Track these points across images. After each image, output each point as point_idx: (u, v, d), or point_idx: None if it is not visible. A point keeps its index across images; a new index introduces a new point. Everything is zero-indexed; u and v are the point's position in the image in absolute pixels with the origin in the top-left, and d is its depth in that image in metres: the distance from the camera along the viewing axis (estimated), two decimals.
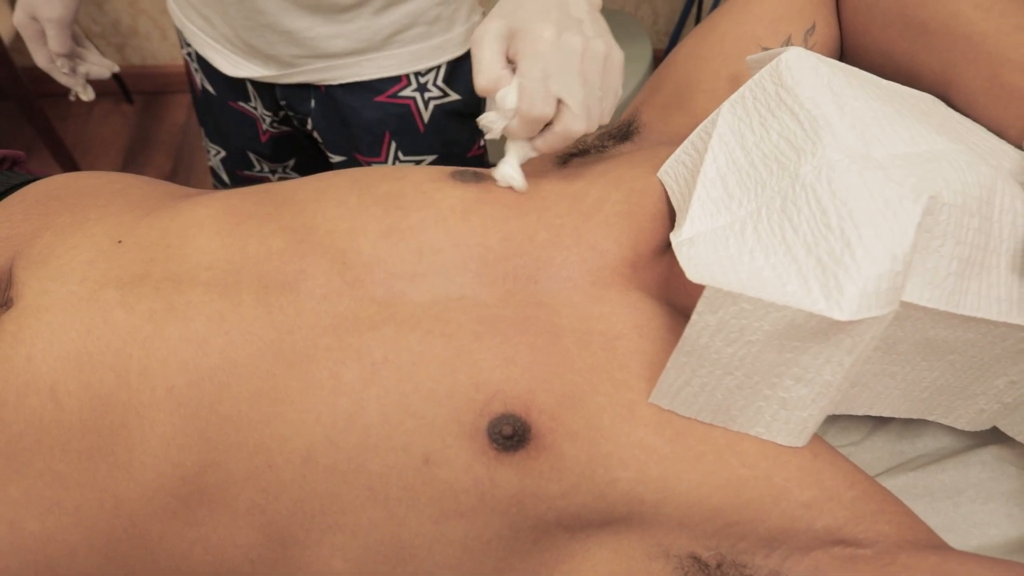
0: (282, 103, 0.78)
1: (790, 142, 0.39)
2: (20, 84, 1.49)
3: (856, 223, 0.35)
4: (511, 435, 0.38)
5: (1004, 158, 0.41)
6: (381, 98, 0.74)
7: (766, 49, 0.53)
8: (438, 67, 0.74)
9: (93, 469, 0.37)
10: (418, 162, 0.79)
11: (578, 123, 0.45)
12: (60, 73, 0.74)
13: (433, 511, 0.38)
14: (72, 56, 0.74)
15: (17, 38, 1.73)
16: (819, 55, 0.43)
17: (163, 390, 0.38)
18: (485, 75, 0.45)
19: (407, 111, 0.75)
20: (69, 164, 1.65)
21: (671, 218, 0.47)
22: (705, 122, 0.45)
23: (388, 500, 0.38)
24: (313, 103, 0.76)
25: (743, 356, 0.36)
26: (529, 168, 0.54)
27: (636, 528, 0.39)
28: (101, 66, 0.77)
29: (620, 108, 1.54)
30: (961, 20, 0.46)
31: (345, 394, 0.38)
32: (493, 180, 0.47)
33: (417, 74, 0.74)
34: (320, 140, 0.81)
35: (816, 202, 0.36)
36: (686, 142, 0.46)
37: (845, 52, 0.56)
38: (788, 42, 0.54)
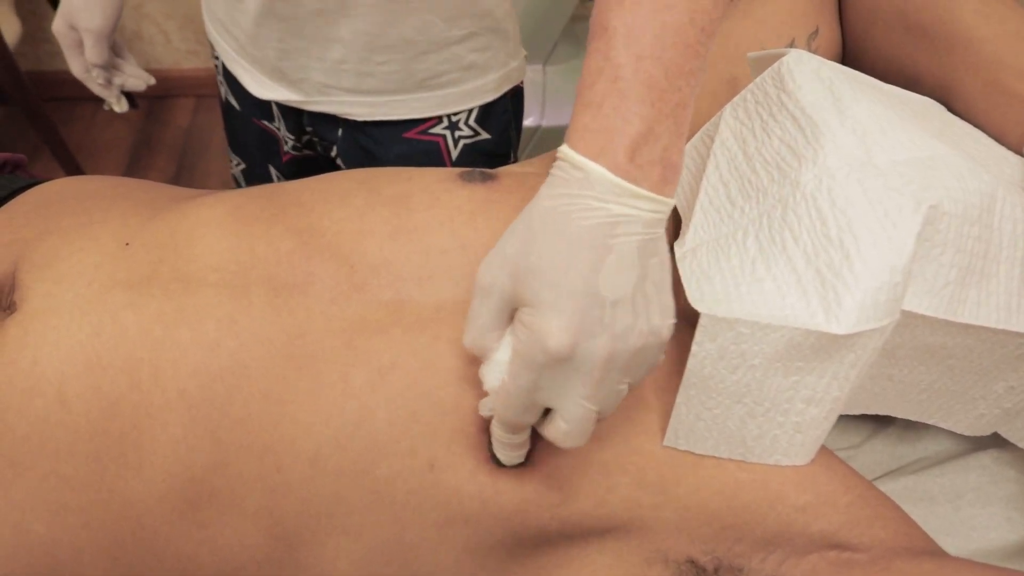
0: (308, 129, 0.77)
1: (791, 148, 0.40)
2: (25, 88, 1.49)
3: (855, 234, 0.35)
4: None
5: (1005, 164, 0.41)
6: (410, 134, 0.73)
7: None
8: (470, 109, 0.73)
9: (100, 471, 0.38)
10: None
11: (569, 440, 0.34)
12: (95, 83, 0.73)
13: (437, 516, 0.38)
14: (108, 67, 0.73)
15: (22, 42, 1.74)
16: (821, 58, 0.43)
17: (175, 392, 0.38)
18: (471, 338, 0.35)
19: (435, 148, 0.74)
20: (73, 168, 1.65)
21: (675, 223, 0.47)
22: (707, 125, 0.45)
23: (393, 504, 0.38)
24: (340, 132, 0.75)
25: (748, 382, 0.36)
26: (534, 169, 0.54)
27: (635, 534, 0.39)
28: (138, 78, 0.76)
29: None
30: (961, 26, 0.46)
31: (354, 397, 0.39)
32: (500, 179, 0.47)
33: (449, 115, 0.72)
34: (343, 168, 0.79)
35: (816, 212, 0.36)
36: (688, 146, 0.46)
37: (847, 56, 0.56)
38: (792, 46, 0.54)
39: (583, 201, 0.32)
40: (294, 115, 0.76)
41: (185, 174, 1.85)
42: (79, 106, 1.97)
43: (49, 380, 0.38)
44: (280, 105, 0.76)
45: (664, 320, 0.34)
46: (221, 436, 0.38)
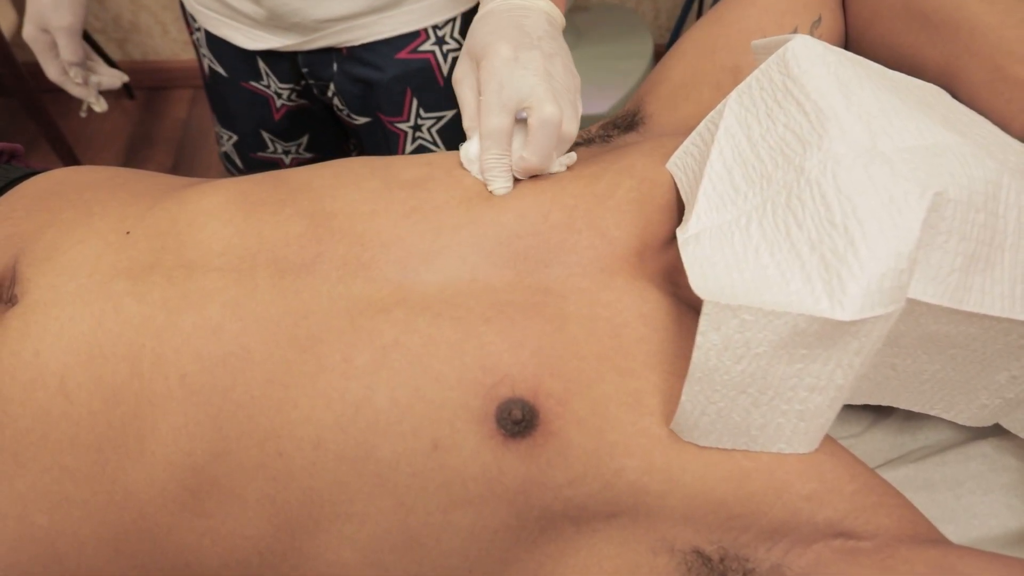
0: (304, 71, 0.79)
1: (796, 134, 0.39)
2: (22, 80, 1.48)
3: (860, 220, 0.34)
4: (520, 419, 0.38)
5: (1010, 151, 0.41)
6: (402, 54, 0.76)
7: None
8: (454, 19, 0.76)
9: (103, 462, 0.37)
10: (439, 118, 0.80)
11: (549, 106, 0.44)
12: (73, 84, 0.73)
13: (441, 499, 0.38)
14: (84, 65, 0.73)
15: (18, 33, 1.73)
16: (826, 44, 0.43)
17: (176, 378, 0.38)
18: (468, 116, 0.49)
19: (427, 66, 0.77)
20: (71, 160, 1.65)
21: (679, 210, 0.47)
22: (712, 112, 0.45)
23: (397, 488, 0.38)
24: (335, 67, 0.78)
25: (753, 371, 0.35)
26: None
27: (641, 522, 0.39)
28: (112, 76, 0.76)
29: (625, 103, 1.54)
30: (965, 12, 0.46)
31: (355, 378, 0.38)
32: None
33: (435, 27, 0.75)
34: (342, 107, 0.82)
35: (821, 197, 0.36)
36: (694, 133, 0.46)
37: (850, 44, 0.56)
38: (795, 33, 0.54)
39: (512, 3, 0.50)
40: (287, 62, 0.78)
41: (183, 165, 1.85)
42: (76, 98, 1.96)
43: (52, 371, 0.38)
44: (268, 58, 0.78)
45: (574, 71, 0.49)
46: (222, 423, 0.38)
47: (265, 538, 0.39)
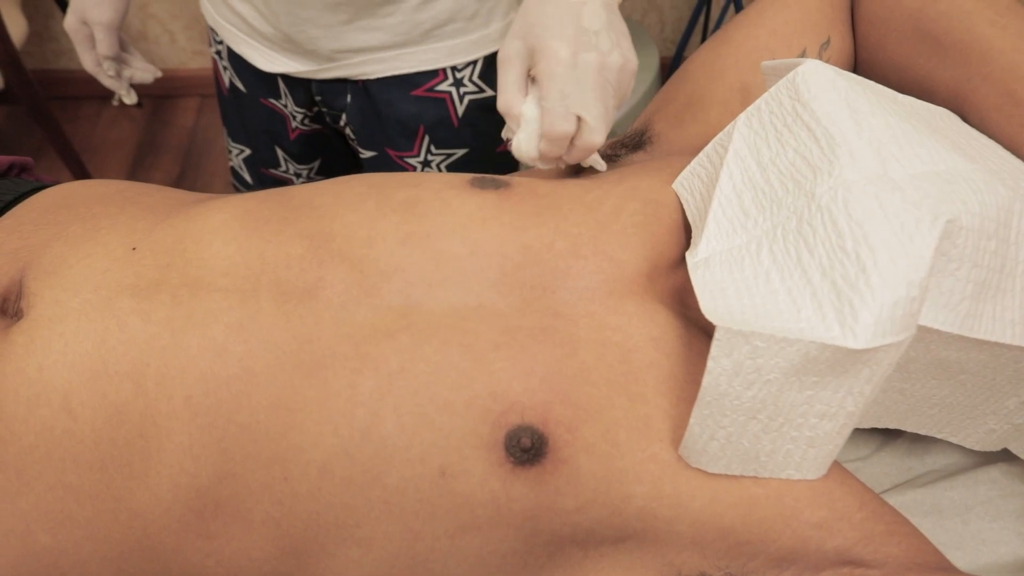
0: (317, 98, 0.79)
1: (806, 159, 0.39)
2: (30, 87, 1.49)
3: (872, 247, 0.34)
4: (529, 447, 0.37)
5: (1021, 177, 0.41)
6: (418, 92, 0.75)
7: None
8: (474, 62, 0.75)
9: (106, 481, 0.37)
10: (449, 155, 0.80)
11: (597, 136, 0.48)
12: (106, 76, 0.77)
13: (448, 525, 0.38)
14: (118, 60, 0.77)
15: (27, 41, 1.74)
16: (836, 68, 0.43)
17: (181, 399, 0.38)
18: (502, 100, 0.49)
19: (443, 105, 0.76)
20: (77, 167, 1.65)
21: (687, 230, 0.47)
22: (721, 134, 0.45)
23: (404, 513, 0.38)
24: (349, 98, 0.77)
25: (764, 398, 0.35)
26: (542, 177, 0.54)
27: (649, 547, 0.38)
28: (145, 71, 0.80)
29: (630, 117, 1.54)
30: (976, 36, 0.46)
31: (362, 404, 0.38)
32: (512, 187, 0.48)
33: (454, 68, 0.75)
34: (353, 136, 0.82)
35: (832, 224, 0.36)
36: (701, 154, 0.46)
37: (859, 66, 0.56)
38: (803, 55, 0.54)
39: None
40: (303, 87, 0.78)
41: (190, 174, 1.85)
42: (84, 105, 1.97)
43: (55, 388, 0.37)
44: (288, 79, 0.78)
45: (632, 55, 0.50)
46: (227, 445, 0.38)
47: (270, 561, 0.38)
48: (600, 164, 0.53)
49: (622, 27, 0.50)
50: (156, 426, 0.37)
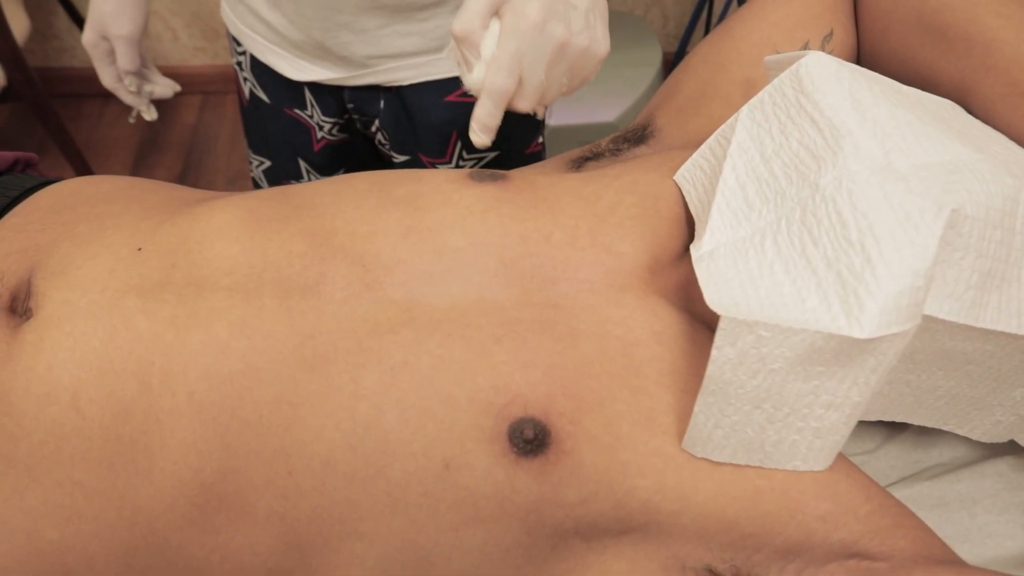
0: (349, 106, 0.78)
1: (810, 151, 0.39)
2: (33, 85, 1.50)
3: (877, 237, 0.34)
4: (532, 438, 0.38)
5: None
6: (451, 98, 0.74)
7: None
8: None
9: (113, 477, 0.37)
10: (479, 160, 0.80)
11: (522, 103, 0.49)
12: (126, 92, 0.74)
13: (452, 518, 0.38)
14: (139, 75, 0.74)
15: (31, 39, 1.74)
16: (840, 60, 0.43)
17: (184, 395, 0.38)
18: (463, 23, 0.48)
19: None
20: (80, 164, 1.65)
21: (689, 224, 0.47)
22: (724, 126, 0.45)
23: (408, 507, 0.38)
24: (382, 104, 0.76)
25: (768, 387, 0.35)
26: (543, 171, 0.54)
27: (653, 539, 0.38)
28: (165, 86, 0.77)
29: (632, 112, 1.54)
30: (981, 27, 0.46)
31: (365, 398, 0.38)
32: (510, 179, 0.48)
33: None
34: (385, 142, 0.81)
35: (836, 215, 0.36)
36: (704, 146, 0.46)
37: (862, 58, 0.56)
38: (805, 48, 0.54)
39: None
40: (332, 96, 0.77)
41: (192, 171, 1.86)
42: (87, 103, 1.97)
43: (64, 386, 0.38)
44: (316, 88, 0.76)
45: (603, 43, 0.50)
46: (231, 440, 0.38)
47: (274, 555, 0.38)
48: (479, 138, 0.52)
49: (604, 11, 0.50)
50: (159, 422, 0.38)
